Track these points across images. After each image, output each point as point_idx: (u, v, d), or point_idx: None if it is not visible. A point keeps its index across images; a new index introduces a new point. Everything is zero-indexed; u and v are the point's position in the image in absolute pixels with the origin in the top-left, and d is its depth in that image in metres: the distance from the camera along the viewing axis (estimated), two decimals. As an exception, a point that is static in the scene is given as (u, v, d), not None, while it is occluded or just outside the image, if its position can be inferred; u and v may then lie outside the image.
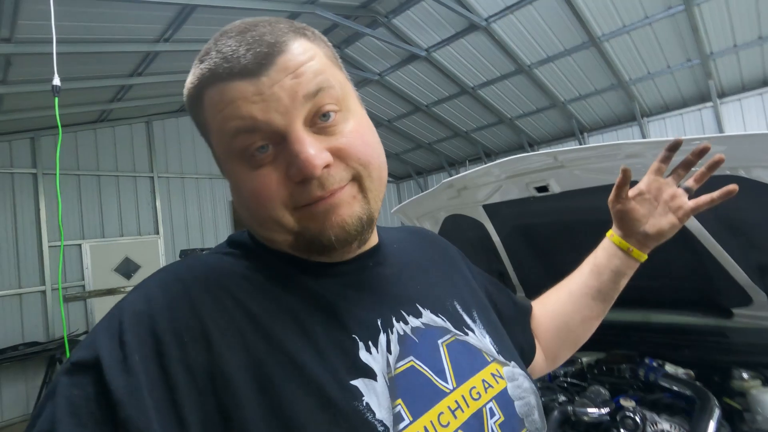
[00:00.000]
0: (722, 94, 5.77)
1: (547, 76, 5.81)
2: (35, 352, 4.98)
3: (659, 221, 0.66)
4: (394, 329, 0.45)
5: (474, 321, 0.54)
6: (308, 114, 0.41)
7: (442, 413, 0.41)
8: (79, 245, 5.86)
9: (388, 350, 0.43)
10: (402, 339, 0.45)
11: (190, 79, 0.43)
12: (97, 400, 0.32)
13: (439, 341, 0.48)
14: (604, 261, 0.70)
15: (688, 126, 6.08)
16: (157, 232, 6.61)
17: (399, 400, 0.40)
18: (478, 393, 0.46)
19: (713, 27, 4.72)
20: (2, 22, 3.16)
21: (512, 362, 0.52)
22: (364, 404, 0.38)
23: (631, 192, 0.68)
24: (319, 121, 0.41)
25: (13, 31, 3.27)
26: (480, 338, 0.52)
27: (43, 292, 5.49)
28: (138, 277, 6.24)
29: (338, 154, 0.42)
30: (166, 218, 6.77)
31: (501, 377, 0.49)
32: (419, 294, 0.52)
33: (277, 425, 0.34)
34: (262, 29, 0.41)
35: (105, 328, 0.36)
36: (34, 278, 5.45)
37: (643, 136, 6.18)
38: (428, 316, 0.50)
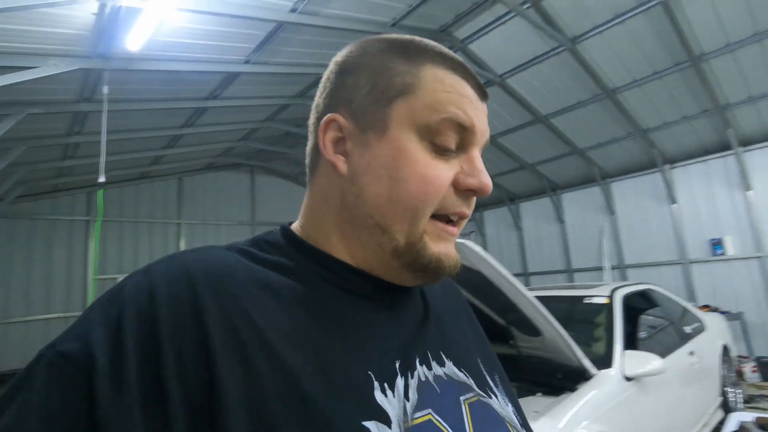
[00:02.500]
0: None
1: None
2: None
3: None
4: (415, 373, 0.40)
5: (497, 386, 0.49)
6: None
7: None
8: (116, 278, 7.19)
9: (406, 397, 0.38)
10: (422, 386, 0.40)
11: (398, 46, 0.43)
12: (79, 410, 0.28)
13: (462, 398, 0.43)
14: None
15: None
16: (180, 270, 7.91)
17: None
18: None
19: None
20: (76, 122, 4.58)
21: None
22: None
23: None
24: None
25: (83, 127, 4.70)
26: (503, 406, 0.47)
27: (85, 316, 6.78)
28: (161, 307, 7.47)
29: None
30: (188, 258, 8.08)
31: None
32: (443, 342, 0.47)
33: None
34: None
35: (103, 319, 0.32)
36: (79, 305, 6.76)
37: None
38: (451, 368, 0.45)
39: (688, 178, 6.84)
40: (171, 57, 3.67)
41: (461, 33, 4.88)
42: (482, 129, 0.43)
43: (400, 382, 0.39)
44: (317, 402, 0.33)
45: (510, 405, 0.49)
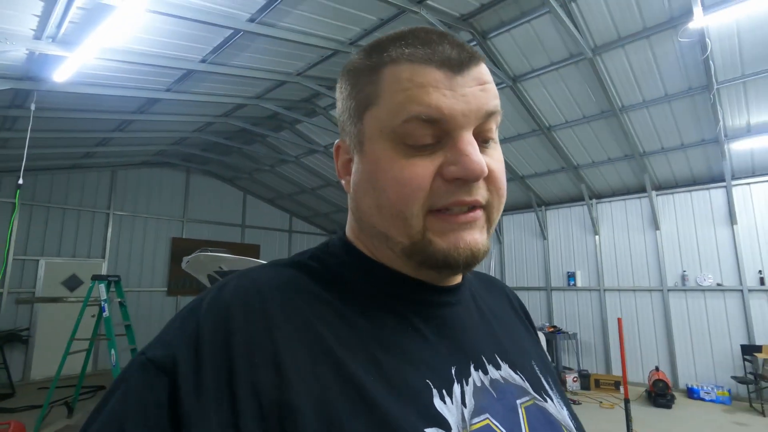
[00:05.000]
0: (733, 176, 6.24)
1: (565, 141, 6.33)
2: (-17, 338, 6.54)
3: None
4: (470, 379, 0.42)
5: (551, 389, 0.50)
6: (476, 130, 0.41)
7: None
8: (37, 260, 7.57)
9: (463, 403, 0.39)
10: (478, 391, 0.41)
11: (365, 54, 0.44)
12: (167, 411, 0.32)
13: (518, 402, 0.44)
14: None
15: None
16: (103, 257, 8.36)
17: None
18: None
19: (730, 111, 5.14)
20: (7, 121, 5.12)
21: None
22: None
23: None
24: (479, 143, 0.41)
25: (14, 125, 5.24)
26: (558, 409, 0.48)
27: (1, 294, 7.12)
28: (80, 291, 7.89)
29: (486, 177, 0.41)
30: (113, 247, 8.54)
31: None
32: (498, 344, 0.48)
33: None
34: (459, 40, 0.42)
35: (183, 328, 0.36)
36: (-4, 282, 7.11)
37: (652, 208, 6.88)
38: (507, 371, 0.46)
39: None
40: (94, 83, 4.39)
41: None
42: (463, 109, 0.39)
43: (456, 388, 0.40)
44: (382, 409, 0.35)
45: (565, 408, 0.49)
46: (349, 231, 0.48)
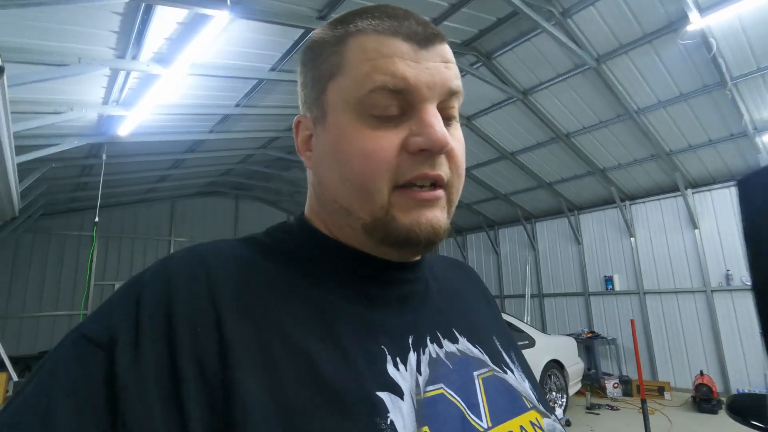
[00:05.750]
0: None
1: (586, 146, 6.36)
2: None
3: None
4: (426, 350, 0.43)
5: (513, 362, 0.51)
6: (439, 106, 0.41)
7: None
8: (113, 284, 8.67)
9: (418, 371, 0.40)
10: (434, 362, 0.42)
11: (330, 26, 0.43)
12: (101, 386, 0.30)
13: (475, 373, 0.45)
14: None
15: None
16: (167, 279, 9.38)
17: (425, 428, 0.36)
18: None
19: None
20: (86, 168, 6.11)
21: (553, 416, 0.48)
22: (388, 422, 0.34)
23: None
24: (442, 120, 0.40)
25: (91, 171, 6.23)
26: (519, 381, 0.49)
27: (85, 314, 8.23)
28: (149, 310, 8.89)
29: (447, 154, 0.41)
30: (176, 269, 9.55)
31: (540, 428, 0.44)
32: (456, 319, 0.49)
33: None
34: (424, 19, 0.42)
35: (122, 304, 0.35)
36: (80, 305, 8.24)
37: (687, 207, 6.66)
38: (464, 344, 0.47)
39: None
40: (151, 132, 5.19)
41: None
42: (428, 81, 0.39)
43: (412, 356, 0.41)
44: (331, 375, 0.35)
45: (527, 381, 0.50)
46: (308, 209, 0.48)
